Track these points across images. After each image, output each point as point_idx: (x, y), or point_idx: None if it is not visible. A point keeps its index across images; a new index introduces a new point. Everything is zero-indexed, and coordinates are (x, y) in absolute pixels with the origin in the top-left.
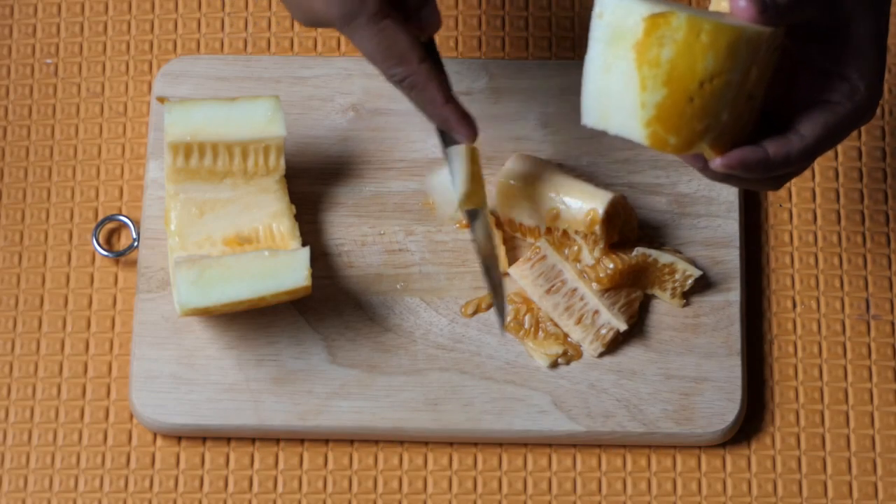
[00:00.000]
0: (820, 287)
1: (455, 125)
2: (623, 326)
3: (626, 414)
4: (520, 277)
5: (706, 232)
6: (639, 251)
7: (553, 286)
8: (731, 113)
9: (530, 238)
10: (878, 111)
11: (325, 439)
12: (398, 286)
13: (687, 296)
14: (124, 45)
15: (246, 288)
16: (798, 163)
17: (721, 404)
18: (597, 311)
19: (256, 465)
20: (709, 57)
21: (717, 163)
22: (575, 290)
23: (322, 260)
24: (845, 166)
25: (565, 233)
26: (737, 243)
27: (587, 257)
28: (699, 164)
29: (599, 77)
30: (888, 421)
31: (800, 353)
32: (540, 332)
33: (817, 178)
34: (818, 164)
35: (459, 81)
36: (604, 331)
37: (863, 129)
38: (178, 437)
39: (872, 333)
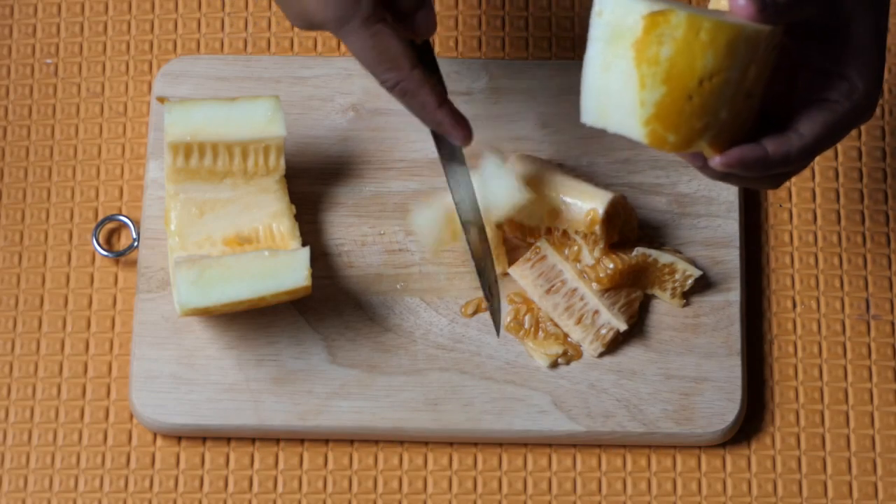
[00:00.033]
0: (820, 287)
1: (449, 129)
2: (623, 326)
3: (626, 414)
4: (520, 277)
5: (706, 232)
6: (639, 251)
7: (553, 286)
8: (730, 111)
9: (530, 238)
10: (878, 111)
11: (325, 439)
12: (398, 286)
13: (687, 296)
14: (124, 45)
15: (246, 288)
16: (797, 161)
17: (721, 404)
18: (597, 311)
19: (256, 465)
20: (708, 55)
21: (716, 161)
22: (575, 290)
23: (322, 260)
24: (845, 166)
25: (565, 233)
26: (737, 243)
27: (587, 257)
28: (698, 163)
29: (599, 75)
30: (888, 421)
31: (800, 353)
32: (540, 332)
33: (817, 178)
34: (818, 164)
35: (459, 81)
36: (604, 331)
37: (863, 128)
38: (178, 437)
39: (872, 333)
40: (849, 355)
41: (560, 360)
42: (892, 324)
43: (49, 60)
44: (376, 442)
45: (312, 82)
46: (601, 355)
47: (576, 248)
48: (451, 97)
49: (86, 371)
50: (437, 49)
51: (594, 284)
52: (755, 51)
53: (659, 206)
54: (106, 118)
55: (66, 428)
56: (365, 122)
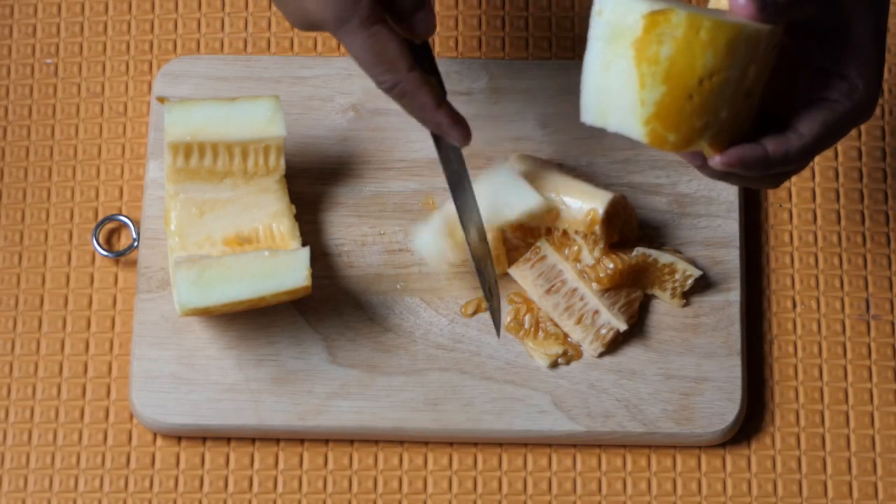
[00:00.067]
0: (820, 287)
1: (448, 129)
2: (623, 326)
3: (626, 414)
4: (520, 277)
5: (706, 232)
6: (639, 251)
7: (553, 286)
8: (730, 110)
9: (530, 238)
10: (878, 111)
11: (325, 439)
12: (398, 286)
13: (687, 296)
14: (124, 45)
15: (246, 288)
16: (797, 161)
17: (721, 404)
18: (597, 311)
19: (256, 465)
20: (708, 54)
21: (715, 160)
22: (575, 290)
23: (322, 260)
24: (845, 166)
25: (565, 233)
26: (737, 243)
27: (587, 257)
28: (698, 162)
29: (599, 75)
30: (888, 421)
31: (800, 353)
32: (540, 332)
33: (817, 178)
34: (818, 164)
35: (459, 81)
36: (604, 331)
37: (863, 128)
38: (178, 437)
39: (872, 333)
40: (849, 355)
41: (560, 360)
42: (892, 324)
43: (49, 60)
44: (376, 442)
45: (312, 82)
46: (601, 355)
47: (576, 248)
48: (450, 97)
49: (86, 371)
50: (437, 49)
51: (594, 284)
52: (755, 50)
53: (659, 206)
54: (106, 118)
55: (66, 428)
56: (365, 122)
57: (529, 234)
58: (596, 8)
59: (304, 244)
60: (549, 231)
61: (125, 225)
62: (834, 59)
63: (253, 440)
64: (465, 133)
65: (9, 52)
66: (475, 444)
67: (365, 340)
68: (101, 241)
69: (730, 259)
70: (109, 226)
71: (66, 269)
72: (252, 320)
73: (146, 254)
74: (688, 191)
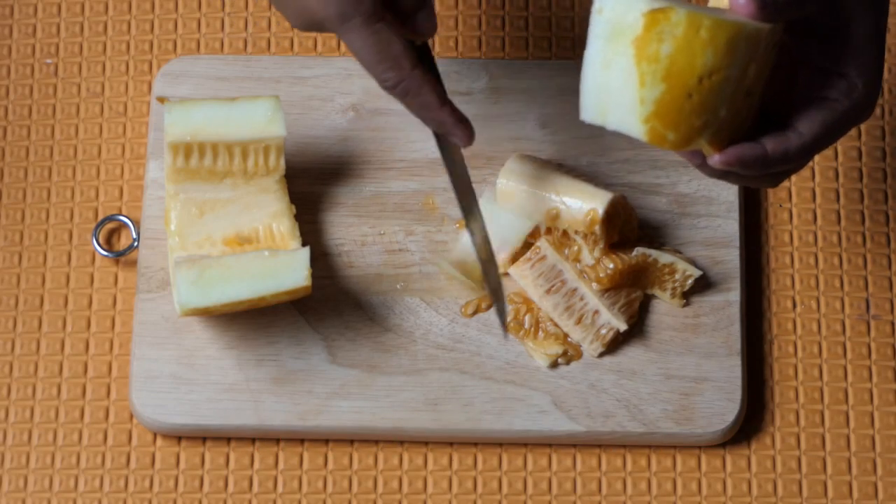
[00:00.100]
0: (820, 287)
1: (451, 128)
2: (623, 326)
3: (626, 414)
4: (520, 277)
5: (706, 232)
6: (639, 251)
7: (553, 286)
8: (730, 109)
9: (530, 238)
10: (878, 111)
11: (325, 439)
12: (398, 286)
13: (687, 296)
14: (124, 45)
15: (246, 288)
16: (796, 160)
17: (721, 404)
18: (597, 311)
19: (256, 465)
20: (708, 53)
21: (715, 159)
22: (575, 290)
23: (322, 260)
24: (845, 166)
25: (565, 233)
26: (737, 243)
27: (587, 257)
28: (697, 161)
29: (598, 73)
30: (888, 421)
31: (800, 353)
32: (540, 332)
33: (817, 178)
34: (818, 164)
35: (459, 81)
36: (604, 331)
37: (863, 128)
38: (178, 437)
39: (872, 333)
40: (849, 355)
41: (560, 360)
42: (892, 324)
43: (49, 60)
44: (376, 442)
45: (312, 82)
46: (601, 355)
47: (576, 248)
48: (450, 97)
49: (86, 371)
50: (436, 49)
51: (594, 284)
52: (755, 49)
53: (659, 206)
54: (106, 118)
55: (66, 428)
56: (365, 122)
57: (529, 234)
58: (596, 6)
59: (304, 244)
60: (549, 231)
61: (125, 225)
62: (834, 58)
63: (253, 440)
64: (469, 132)
65: (9, 52)
66: (475, 444)
67: (365, 340)
68: (101, 241)
69: (730, 259)
70: (109, 226)
71: (66, 269)
72: (252, 320)
73: (146, 254)
74: (688, 191)
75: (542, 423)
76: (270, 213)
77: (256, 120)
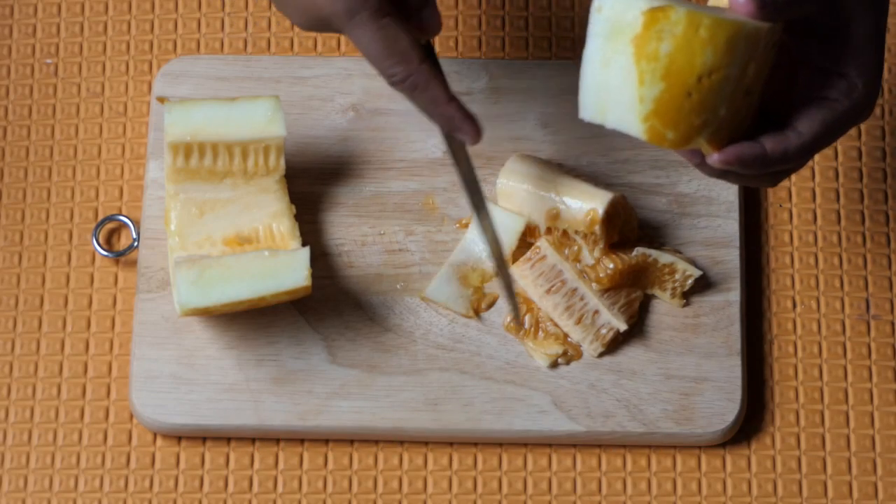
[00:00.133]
0: (820, 287)
1: (459, 124)
2: (623, 326)
3: (626, 414)
4: (520, 277)
5: (706, 232)
6: (639, 251)
7: (553, 286)
8: (729, 108)
9: (530, 238)
10: (878, 111)
11: (325, 439)
12: (398, 286)
13: (687, 296)
14: (124, 45)
15: (246, 288)
16: (795, 159)
17: (721, 404)
18: (597, 311)
19: (256, 465)
20: (707, 52)
21: (714, 158)
22: (575, 290)
23: (322, 260)
24: (845, 166)
25: (565, 233)
26: (737, 243)
27: (587, 257)
28: (696, 160)
29: (598, 71)
30: (888, 421)
31: (800, 353)
32: (540, 332)
33: (817, 178)
34: (818, 164)
35: (459, 81)
36: (604, 331)
37: (863, 128)
38: (178, 437)
39: (872, 333)
40: (849, 355)
41: (560, 360)
42: (892, 324)
43: (49, 60)
44: (376, 442)
45: (312, 82)
46: (601, 355)
47: (576, 248)
48: None
49: (86, 371)
50: (437, 49)
51: (594, 284)
52: (755, 48)
53: (659, 206)
54: (106, 118)
55: (66, 428)
56: (365, 122)
57: (529, 233)
58: (596, 4)
59: (304, 244)
60: (549, 231)
61: (125, 225)
62: (834, 58)
63: (253, 440)
64: (477, 128)
65: (9, 52)
66: (475, 444)
67: (365, 340)
68: (101, 241)
69: (730, 259)
70: (109, 226)
71: (66, 269)
72: (252, 320)
73: (146, 254)
74: (688, 191)
75: (542, 423)
76: (270, 213)
77: (256, 120)
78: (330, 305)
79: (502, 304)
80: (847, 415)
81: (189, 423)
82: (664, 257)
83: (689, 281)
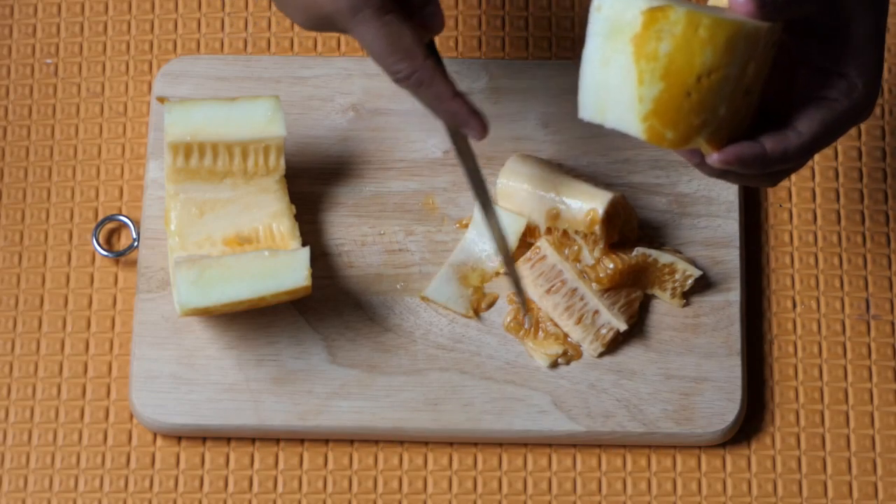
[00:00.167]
0: (820, 287)
1: (465, 119)
2: (623, 326)
3: (626, 414)
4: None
5: (706, 232)
6: (639, 251)
7: (553, 286)
8: (729, 108)
9: (530, 238)
10: (878, 111)
11: (325, 439)
12: (398, 286)
13: (687, 296)
14: (124, 45)
15: (246, 288)
16: (795, 159)
17: (721, 404)
18: (597, 311)
19: (256, 465)
20: (707, 51)
21: (713, 158)
22: (575, 290)
23: (322, 260)
24: (845, 166)
25: (565, 233)
26: (737, 243)
27: (587, 257)
28: (696, 160)
29: (597, 71)
30: (888, 421)
31: (800, 353)
32: (540, 332)
33: (817, 178)
34: (818, 164)
35: (459, 81)
36: (604, 331)
37: (863, 128)
38: (178, 437)
39: (872, 333)
40: (849, 355)
41: (560, 360)
42: (892, 324)
43: (49, 60)
44: (376, 442)
45: (312, 82)
46: (601, 355)
47: (576, 248)
48: None
49: (86, 371)
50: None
51: (594, 284)
52: (754, 48)
53: (659, 206)
54: (106, 118)
55: (66, 428)
56: (365, 122)
57: (529, 234)
58: (595, 3)
59: (304, 244)
60: (549, 231)
61: (125, 225)
62: (833, 57)
63: (253, 440)
64: (483, 124)
65: (9, 52)
66: (475, 444)
67: (365, 340)
68: (101, 241)
69: (730, 259)
70: (109, 226)
71: (66, 269)
72: (252, 320)
73: (146, 254)
74: (688, 191)
75: (542, 423)
76: (270, 213)
77: (256, 120)
78: (330, 305)
79: (502, 304)
80: (847, 415)
81: (189, 423)
82: (664, 257)
83: (689, 281)
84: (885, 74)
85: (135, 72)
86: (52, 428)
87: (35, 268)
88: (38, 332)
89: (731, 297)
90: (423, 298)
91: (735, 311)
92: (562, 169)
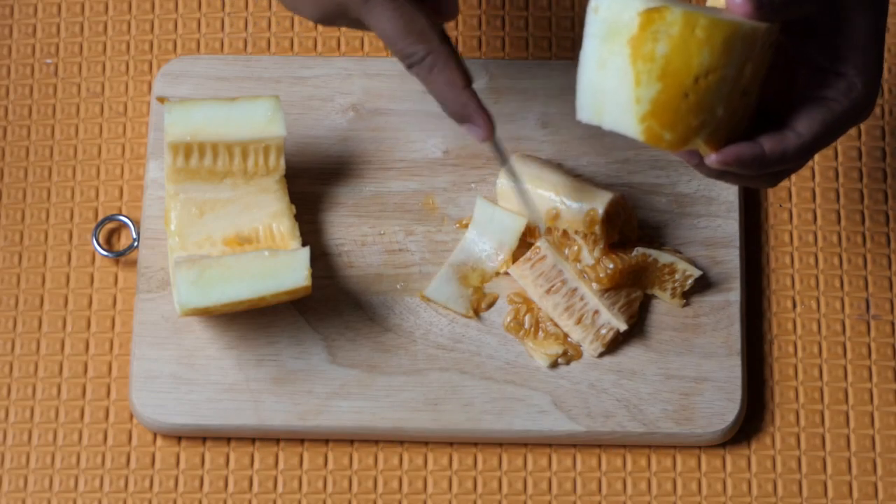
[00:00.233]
0: (820, 287)
1: (473, 113)
2: (623, 326)
3: (626, 414)
4: (520, 277)
5: (706, 232)
6: (639, 251)
7: (553, 286)
8: (727, 109)
9: (530, 238)
10: (878, 111)
11: (325, 439)
12: (398, 286)
13: (687, 296)
14: (124, 45)
15: (246, 288)
16: (794, 160)
17: (721, 404)
18: (597, 311)
19: (256, 465)
20: (704, 52)
21: (712, 159)
22: (575, 290)
23: (322, 260)
24: (845, 166)
25: (565, 233)
26: (737, 243)
27: (587, 257)
28: (695, 161)
29: (594, 72)
30: (888, 421)
31: (800, 353)
32: (540, 332)
33: (817, 178)
34: (818, 164)
35: None
36: (604, 331)
37: (862, 128)
38: (178, 437)
39: (872, 333)
40: (849, 355)
41: (560, 360)
42: (892, 324)
43: (49, 60)
44: (376, 442)
45: (312, 82)
46: (601, 355)
47: (576, 248)
48: None
49: (86, 371)
50: None
51: (594, 284)
52: (752, 48)
53: (659, 206)
54: (106, 118)
55: (66, 428)
56: (365, 122)
57: (529, 234)
58: (592, 5)
59: (304, 244)
60: (549, 231)
61: (125, 225)
62: (833, 57)
63: (253, 440)
64: (490, 123)
65: (9, 52)
66: (475, 444)
67: (365, 340)
68: (101, 241)
69: (730, 259)
70: (109, 226)
71: (66, 269)
72: (252, 320)
73: (146, 254)
74: (688, 191)
75: (542, 423)
76: (270, 213)
77: (256, 120)
78: (330, 305)
79: (502, 304)
80: (847, 415)
81: (189, 423)
82: (664, 257)
83: (689, 281)
84: (885, 74)
85: (135, 72)
86: (52, 428)
87: (35, 268)
88: (38, 332)
89: (731, 297)
90: (424, 298)
91: (735, 311)
92: (562, 169)
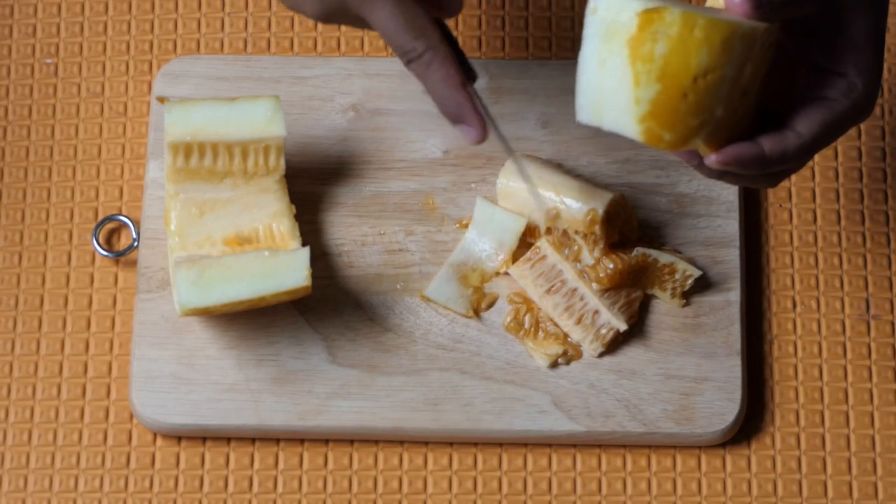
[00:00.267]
0: (820, 287)
1: (467, 113)
2: (623, 326)
3: (626, 414)
4: (520, 277)
5: (706, 232)
6: (639, 251)
7: (553, 286)
8: (726, 109)
9: (530, 238)
10: (878, 111)
11: (325, 439)
12: (398, 286)
13: (687, 296)
14: (124, 45)
15: (246, 288)
16: (794, 160)
17: (721, 404)
18: (597, 311)
19: (256, 465)
20: (703, 52)
21: (712, 159)
22: (575, 290)
23: (322, 260)
24: (845, 166)
25: (565, 233)
26: (737, 243)
27: (587, 257)
28: (694, 161)
29: (593, 73)
30: (888, 421)
31: (800, 353)
32: (540, 332)
33: (817, 178)
34: (818, 164)
35: None
36: (604, 331)
37: (862, 128)
38: (178, 437)
39: (872, 333)
40: (849, 355)
41: (560, 360)
42: (892, 324)
43: (49, 60)
44: (376, 442)
45: (312, 82)
46: (601, 355)
47: (576, 248)
48: None
49: (86, 371)
50: None
51: (594, 284)
52: (751, 48)
53: (659, 206)
54: (106, 118)
55: (66, 428)
56: (365, 122)
57: (529, 234)
58: (591, 6)
59: (304, 244)
60: (549, 231)
61: (125, 225)
62: (833, 57)
63: (253, 440)
64: (484, 126)
65: (9, 52)
66: (475, 444)
67: (365, 340)
68: (101, 241)
69: (730, 259)
70: (109, 226)
71: (66, 269)
72: (252, 320)
73: (146, 254)
74: (688, 191)
75: (542, 423)
76: (270, 213)
77: (256, 120)
78: (330, 305)
79: (502, 304)
80: (847, 415)
81: (189, 423)
82: (664, 257)
83: (689, 281)
84: (885, 74)
85: (135, 72)
86: (52, 428)
87: (35, 268)
88: (38, 332)
89: (731, 297)
90: (424, 298)
91: (735, 311)
92: (562, 169)
